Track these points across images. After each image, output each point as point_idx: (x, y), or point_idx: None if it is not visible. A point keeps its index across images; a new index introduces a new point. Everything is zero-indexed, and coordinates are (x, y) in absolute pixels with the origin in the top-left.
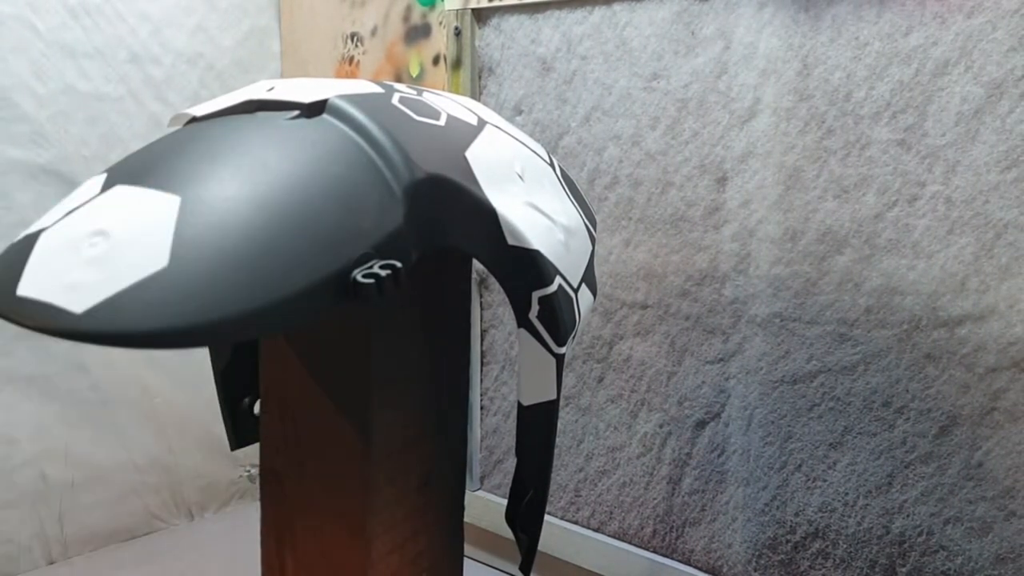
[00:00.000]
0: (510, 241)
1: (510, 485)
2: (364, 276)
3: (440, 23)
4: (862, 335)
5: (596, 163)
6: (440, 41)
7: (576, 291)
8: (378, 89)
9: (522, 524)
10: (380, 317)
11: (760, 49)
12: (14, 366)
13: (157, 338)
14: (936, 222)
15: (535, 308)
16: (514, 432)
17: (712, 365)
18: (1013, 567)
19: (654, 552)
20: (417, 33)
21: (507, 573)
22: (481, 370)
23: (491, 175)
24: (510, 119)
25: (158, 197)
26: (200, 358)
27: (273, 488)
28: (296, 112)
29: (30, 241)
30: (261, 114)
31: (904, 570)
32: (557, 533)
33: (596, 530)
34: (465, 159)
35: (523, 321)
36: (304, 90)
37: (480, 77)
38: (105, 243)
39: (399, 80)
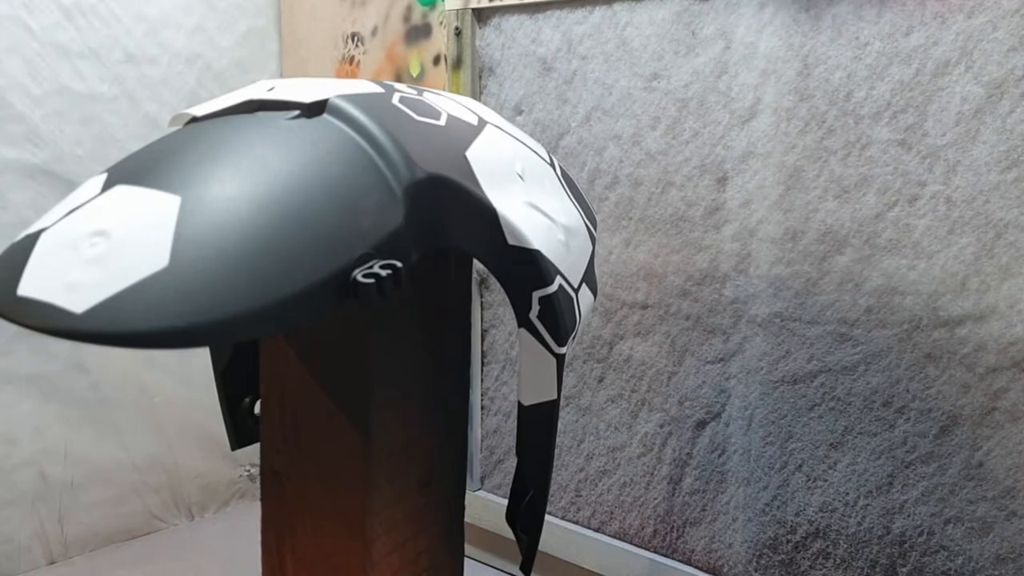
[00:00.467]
0: (510, 241)
1: (510, 485)
2: (364, 276)
3: (440, 23)
4: (862, 335)
5: (596, 163)
6: (440, 41)
7: (576, 291)
8: (378, 89)
9: (523, 524)
10: (380, 317)
11: (760, 49)
12: (14, 366)
13: (157, 338)
14: (936, 222)
15: (535, 308)
16: (514, 432)
17: (712, 365)
18: (1014, 567)
19: (654, 552)
20: (417, 33)
21: (507, 573)
22: (481, 370)
23: (491, 175)
24: (510, 119)
25: (158, 197)
26: (200, 358)
27: (273, 488)
28: (296, 112)
29: (30, 241)
30: (261, 114)
31: (905, 570)
32: (558, 533)
33: (597, 530)
34: (465, 159)
35: (523, 321)
36: (304, 90)
37: (480, 77)
38: (105, 243)
39: (399, 80)
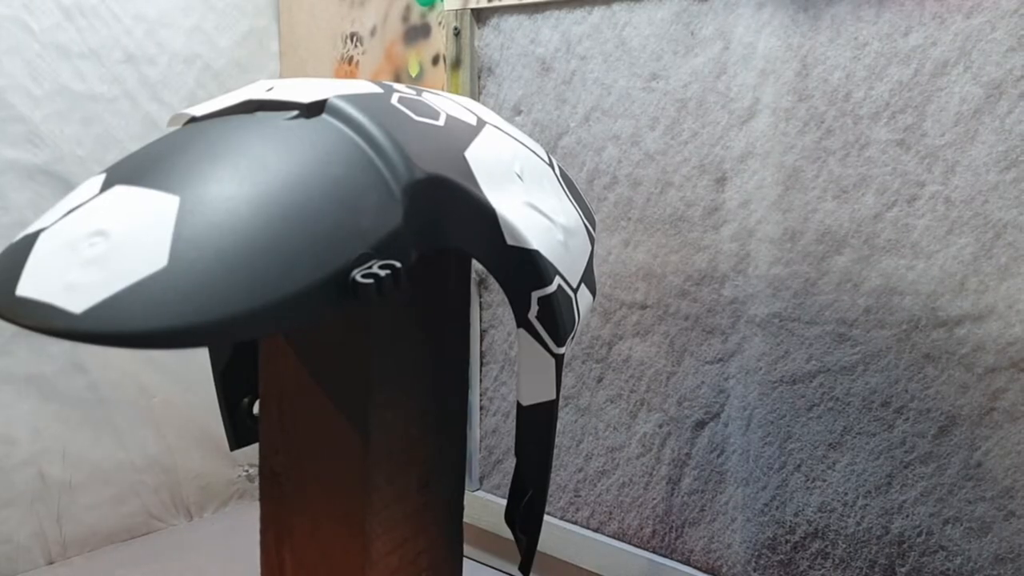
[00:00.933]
0: (509, 241)
1: (509, 485)
2: (363, 276)
3: (439, 23)
4: (861, 335)
5: (595, 163)
6: (439, 41)
7: (575, 291)
8: (377, 89)
9: (521, 524)
10: (379, 317)
11: (759, 49)
12: (12, 366)
13: (156, 338)
14: (935, 222)
15: (534, 308)
16: (513, 432)
17: (711, 365)
18: (1012, 567)
19: (653, 552)
20: (416, 33)
21: (507, 573)
22: (481, 370)
23: (490, 175)
24: (509, 119)
25: (157, 197)
26: (200, 358)
27: (272, 488)
28: (295, 112)
29: (29, 241)
30: (260, 114)
31: (903, 570)
32: (557, 533)
33: (595, 530)
34: (464, 159)
35: (522, 321)
36: (303, 90)
37: (479, 77)
38: (104, 243)
39: (398, 80)
